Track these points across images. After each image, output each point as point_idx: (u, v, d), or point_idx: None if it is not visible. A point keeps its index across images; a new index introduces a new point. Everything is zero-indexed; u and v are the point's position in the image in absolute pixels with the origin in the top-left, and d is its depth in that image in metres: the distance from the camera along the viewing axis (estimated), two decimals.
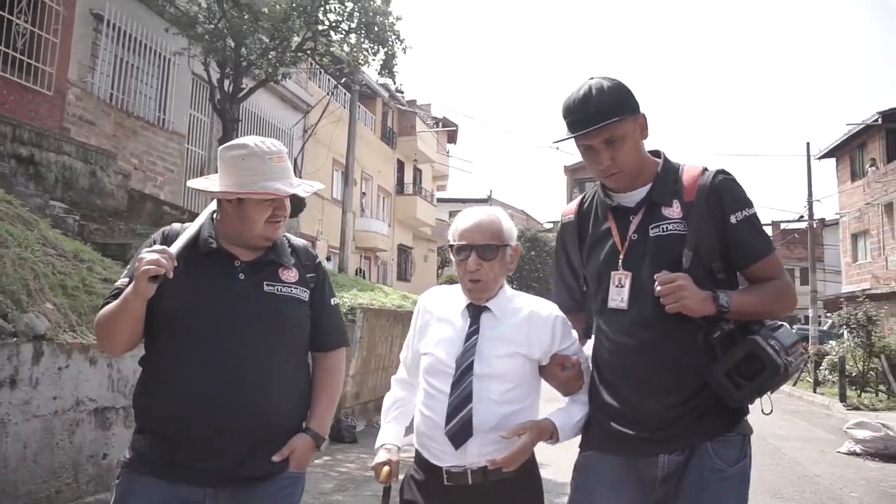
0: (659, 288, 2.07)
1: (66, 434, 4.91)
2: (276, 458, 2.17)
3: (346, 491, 6.14)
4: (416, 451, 2.34)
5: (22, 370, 4.52)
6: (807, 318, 26.96)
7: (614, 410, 2.20)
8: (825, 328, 26.94)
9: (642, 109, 2.22)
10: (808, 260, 26.68)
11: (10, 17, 10.60)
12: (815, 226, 28.94)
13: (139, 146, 13.82)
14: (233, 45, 11.59)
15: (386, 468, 2.26)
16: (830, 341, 20.37)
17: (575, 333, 2.36)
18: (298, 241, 2.44)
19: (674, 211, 2.18)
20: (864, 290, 25.73)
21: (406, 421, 2.43)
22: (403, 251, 31.53)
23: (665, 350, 2.12)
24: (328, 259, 21.35)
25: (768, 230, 45.63)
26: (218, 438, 2.08)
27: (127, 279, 2.12)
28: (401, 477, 2.34)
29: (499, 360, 2.24)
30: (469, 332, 2.28)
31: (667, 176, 2.24)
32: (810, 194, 27.04)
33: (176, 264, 2.03)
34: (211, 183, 2.24)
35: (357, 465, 7.19)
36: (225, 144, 2.20)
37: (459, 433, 2.18)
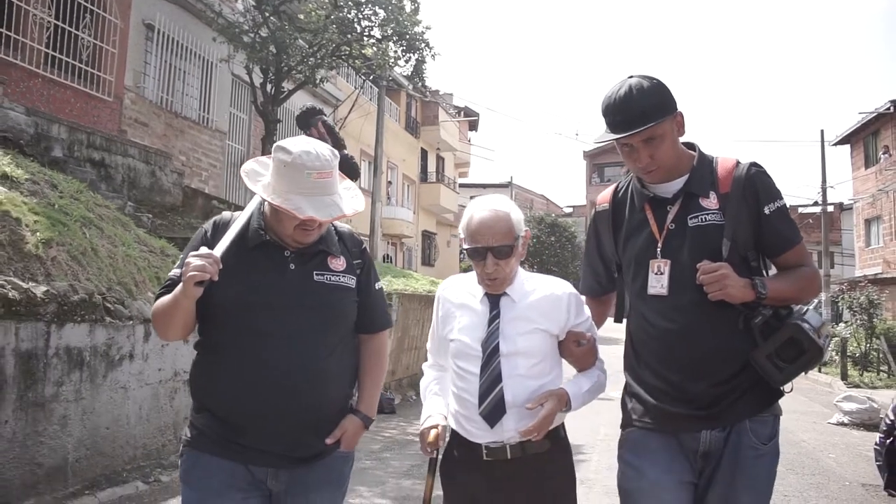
0: (702, 277, 2.14)
1: (167, 399, 6.04)
2: (329, 441, 2.28)
3: (392, 450, 7.25)
4: (453, 430, 2.42)
5: (136, 347, 5.63)
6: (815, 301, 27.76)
7: (656, 389, 2.28)
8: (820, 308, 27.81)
9: (679, 108, 2.28)
10: (822, 245, 27.36)
11: (76, 31, 11.72)
12: (832, 210, 29.49)
13: (186, 144, 14.93)
14: (274, 52, 12.61)
15: (434, 430, 2.34)
16: (840, 323, 21.17)
17: (587, 310, 2.46)
18: (344, 227, 2.48)
19: (711, 202, 2.24)
20: (875, 274, 26.43)
21: (446, 395, 2.50)
22: (427, 237, 32.58)
23: (706, 334, 2.19)
24: None
25: None
26: (274, 422, 2.17)
27: (178, 271, 2.19)
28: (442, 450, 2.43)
29: (522, 337, 2.32)
30: (491, 316, 2.36)
31: (703, 168, 2.30)
32: (824, 180, 27.64)
33: (221, 266, 2.09)
34: (261, 174, 2.28)
35: (398, 431, 8.29)
36: (280, 142, 2.21)
37: (493, 412, 2.28)
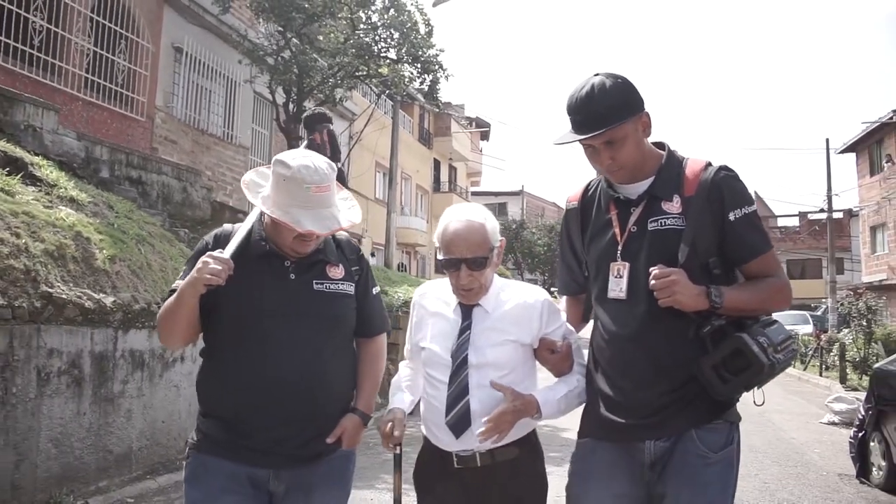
0: (653, 282, 2.07)
1: None
2: (329, 440, 2.31)
3: (411, 445, 7.92)
4: (425, 438, 2.42)
5: (186, 351, 6.35)
6: (814, 307, 28.47)
7: (607, 398, 2.23)
8: (819, 313, 28.47)
9: (647, 107, 2.20)
10: (828, 252, 27.85)
11: (112, 56, 12.54)
12: (841, 217, 29.97)
13: (212, 160, 15.73)
14: (297, 73, 13.39)
15: (390, 423, 2.31)
16: (843, 328, 21.70)
17: (563, 316, 2.43)
18: (342, 235, 2.50)
19: (673, 206, 2.17)
20: (881, 280, 26.93)
21: (415, 393, 2.49)
22: None
23: (656, 341, 2.14)
24: (372, 255, 23.21)
25: (794, 221, 45.83)
26: (278, 427, 2.23)
27: (182, 282, 2.22)
28: (406, 449, 2.41)
29: (492, 348, 2.29)
30: (462, 326, 2.33)
31: (669, 170, 2.22)
32: (829, 188, 28.10)
33: (232, 273, 2.14)
34: (260, 186, 2.32)
35: (416, 430, 8.96)
36: (279, 155, 2.26)
37: (459, 423, 2.27)
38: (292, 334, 2.24)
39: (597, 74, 2.18)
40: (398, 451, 2.38)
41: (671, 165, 2.24)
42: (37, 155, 7.19)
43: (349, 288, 2.39)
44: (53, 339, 4.93)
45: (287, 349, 2.23)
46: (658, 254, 2.14)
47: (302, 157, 2.23)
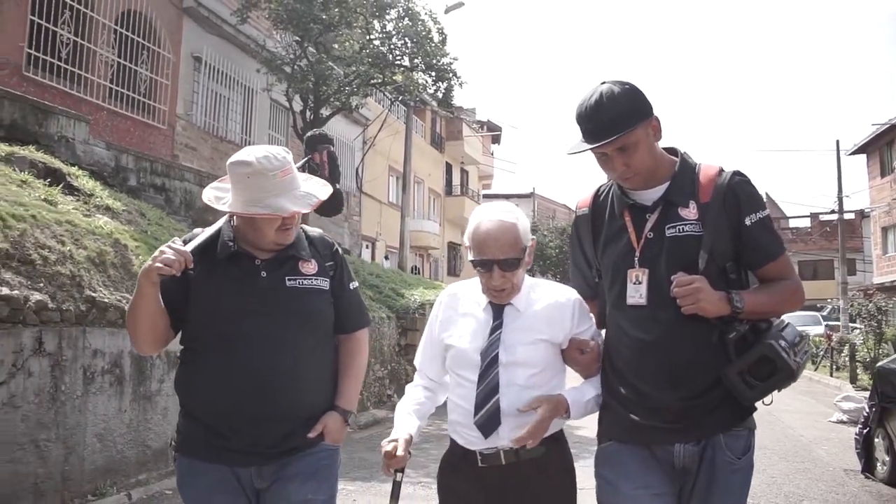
0: (676, 290, 2.08)
1: None
2: (310, 435, 2.30)
3: (430, 442, 8.15)
4: (451, 438, 2.38)
5: None
6: (820, 307, 28.74)
7: (630, 401, 2.22)
8: (825, 313, 28.71)
9: (657, 112, 2.20)
10: (840, 253, 27.96)
11: (136, 67, 12.92)
12: (853, 218, 30.10)
13: None
14: (313, 81, 13.74)
15: (393, 443, 2.21)
16: (854, 329, 21.85)
17: (592, 318, 2.40)
18: (314, 231, 2.51)
19: (690, 212, 2.17)
20: (892, 281, 27.02)
21: (422, 420, 2.39)
22: (453, 248, 33.62)
23: (681, 346, 2.13)
24: (386, 258, 23.54)
25: (806, 222, 45.71)
26: (257, 426, 2.23)
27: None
28: (425, 445, 2.45)
29: (523, 347, 2.27)
30: (493, 325, 2.30)
31: (684, 176, 2.22)
32: (840, 190, 28.21)
33: (192, 267, 2.16)
34: (222, 196, 2.30)
35: (434, 428, 9.16)
36: (231, 159, 2.23)
37: (488, 422, 2.23)
38: (266, 331, 2.24)
39: (604, 82, 2.19)
40: (398, 478, 2.27)
41: (685, 171, 2.24)
42: (72, 165, 7.52)
43: (323, 283, 2.38)
44: (97, 340, 5.24)
45: (261, 347, 2.22)
46: (677, 260, 2.14)
47: (256, 151, 2.22)
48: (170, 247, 2.13)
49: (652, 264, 2.18)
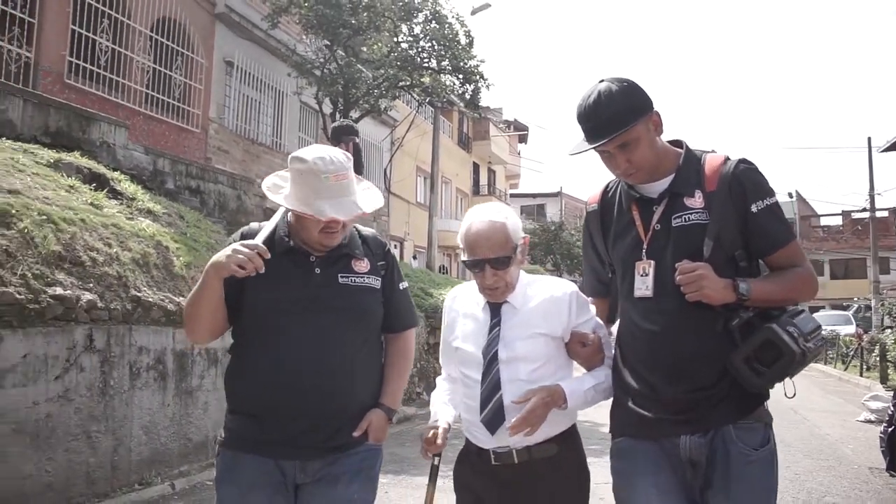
0: (679, 277, 2.09)
1: None
2: (355, 434, 2.32)
3: (459, 438, 8.41)
4: (466, 439, 2.43)
5: None
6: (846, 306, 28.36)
7: (638, 394, 2.23)
8: (851, 312, 28.45)
9: (657, 107, 2.21)
10: (871, 251, 27.68)
11: (170, 73, 13.28)
12: (887, 216, 29.75)
13: (262, 168, 16.40)
14: (343, 84, 14.02)
15: (433, 430, 2.32)
16: (887, 328, 21.61)
17: (593, 309, 2.43)
18: (367, 231, 2.52)
19: (696, 201, 2.17)
20: None
21: (457, 406, 2.48)
22: None
23: (687, 337, 2.13)
24: (414, 258, 23.80)
25: (838, 220, 45.10)
26: (305, 421, 2.24)
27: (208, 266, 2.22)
28: (450, 455, 2.39)
29: (522, 343, 2.31)
30: (492, 324, 2.35)
31: (689, 166, 2.23)
32: (871, 187, 27.98)
33: (263, 263, 2.12)
34: (282, 186, 2.33)
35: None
36: (294, 153, 2.28)
37: (493, 419, 2.27)
38: (317, 328, 2.25)
39: (602, 81, 2.21)
40: (436, 462, 2.36)
41: (690, 162, 2.24)
42: (114, 170, 7.84)
43: (375, 282, 2.40)
44: (142, 337, 5.52)
45: (312, 343, 2.24)
46: (683, 249, 2.14)
47: (316, 150, 2.26)
48: (246, 245, 2.13)
49: (659, 255, 2.19)
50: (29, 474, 4.49)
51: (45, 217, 5.20)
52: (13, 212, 4.96)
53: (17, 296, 4.53)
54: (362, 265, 2.38)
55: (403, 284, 2.54)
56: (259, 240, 2.20)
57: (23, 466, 4.46)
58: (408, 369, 2.56)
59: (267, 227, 2.29)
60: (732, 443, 2.12)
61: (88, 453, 4.94)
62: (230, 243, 2.27)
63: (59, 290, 4.84)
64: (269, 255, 2.12)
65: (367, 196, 2.38)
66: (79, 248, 5.31)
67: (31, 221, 5.01)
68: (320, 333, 2.25)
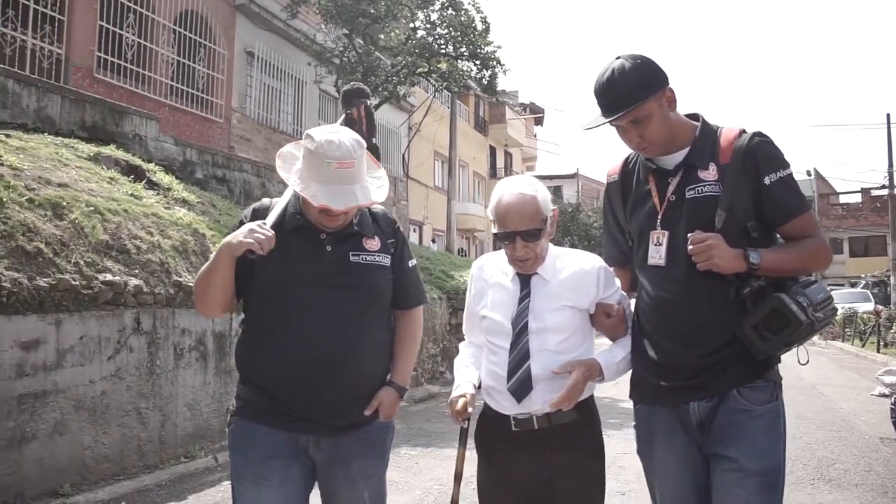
0: (691, 247, 2.13)
1: None
2: (367, 412, 2.34)
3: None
4: (485, 402, 2.47)
5: None
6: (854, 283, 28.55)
7: (651, 361, 2.30)
8: (858, 289, 28.57)
9: (675, 84, 2.25)
10: (891, 228, 27.61)
11: (193, 64, 13.61)
12: None
13: None
14: (362, 72, 14.29)
15: (462, 399, 2.34)
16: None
17: (618, 282, 2.47)
18: (378, 209, 2.51)
19: (710, 173, 2.22)
20: None
21: (479, 369, 2.50)
22: None
23: (699, 304, 2.19)
24: (433, 241, 24.12)
25: (857, 197, 44.74)
26: (316, 396, 2.25)
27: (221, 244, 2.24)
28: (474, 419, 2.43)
29: (551, 313, 2.36)
30: (521, 295, 2.38)
31: (705, 139, 2.28)
32: (890, 164, 27.82)
33: (273, 246, 2.16)
34: (293, 159, 2.34)
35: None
36: (310, 129, 2.27)
37: (521, 388, 2.31)
38: (328, 305, 2.26)
39: (618, 57, 2.26)
40: (466, 426, 2.42)
41: (706, 135, 2.29)
42: (147, 161, 8.19)
43: (385, 260, 2.41)
44: (184, 320, 5.87)
45: (322, 320, 2.25)
46: (696, 220, 2.19)
47: (328, 133, 2.23)
48: (259, 226, 2.17)
49: (673, 226, 2.25)
50: (88, 446, 4.87)
51: (92, 208, 5.55)
52: (64, 204, 5.31)
53: (73, 282, 4.88)
54: (373, 243, 2.40)
55: (413, 262, 2.57)
56: (271, 218, 2.25)
57: (83, 438, 4.84)
58: (417, 346, 2.59)
59: (279, 204, 2.33)
60: (734, 400, 2.19)
61: (139, 428, 5.31)
62: (242, 219, 2.37)
63: (108, 277, 5.19)
64: (274, 244, 2.17)
65: (374, 188, 2.36)
66: (124, 236, 5.65)
67: (80, 212, 5.36)
68: (331, 311, 2.27)
